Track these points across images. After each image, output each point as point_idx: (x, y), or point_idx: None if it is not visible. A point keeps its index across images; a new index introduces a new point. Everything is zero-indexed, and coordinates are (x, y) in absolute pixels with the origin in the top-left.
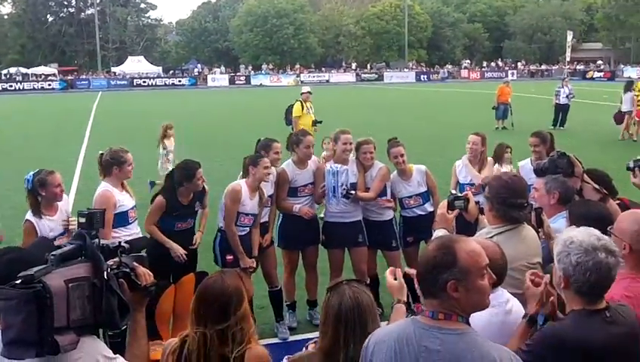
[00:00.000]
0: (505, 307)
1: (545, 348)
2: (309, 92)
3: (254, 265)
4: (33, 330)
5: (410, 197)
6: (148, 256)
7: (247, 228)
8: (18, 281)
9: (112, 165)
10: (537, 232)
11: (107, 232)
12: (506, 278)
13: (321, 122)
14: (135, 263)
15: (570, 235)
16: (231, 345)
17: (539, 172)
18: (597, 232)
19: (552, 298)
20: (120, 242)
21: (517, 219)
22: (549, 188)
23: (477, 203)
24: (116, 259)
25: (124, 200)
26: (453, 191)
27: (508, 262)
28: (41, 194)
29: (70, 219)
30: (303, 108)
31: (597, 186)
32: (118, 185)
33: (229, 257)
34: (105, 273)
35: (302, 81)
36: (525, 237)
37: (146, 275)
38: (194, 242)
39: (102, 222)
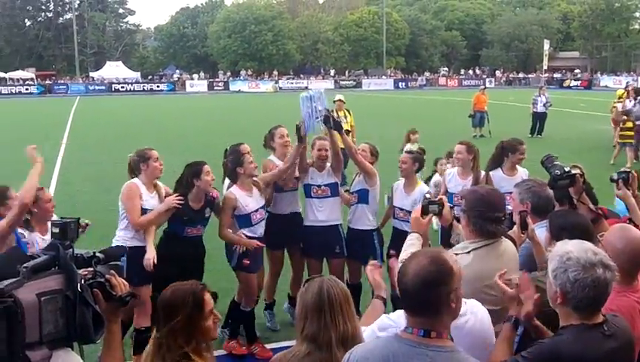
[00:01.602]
0: (454, 322)
1: None
2: (341, 100)
3: (261, 244)
4: (3, 346)
5: (401, 209)
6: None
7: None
8: None
9: (138, 163)
10: (522, 233)
11: (134, 218)
12: (483, 295)
13: (348, 132)
14: (111, 273)
15: (565, 250)
16: (165, 356)
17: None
18: (592, 246)
19: (529, 300)
20: (94, 252)
21: (494, 234)
22: (521, 199)
23: (451, 207)
24: (90, 269)
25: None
26: (427, 196)
27: (485, 277)
28: (32, 210)
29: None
30: None
31: (592, 207)
32: (149, 185)
33: (246, 261)
34: (78, 285)
35: (280, 88)
36: (503, 252)
37: (121, 285)
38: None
39: (76, 231)
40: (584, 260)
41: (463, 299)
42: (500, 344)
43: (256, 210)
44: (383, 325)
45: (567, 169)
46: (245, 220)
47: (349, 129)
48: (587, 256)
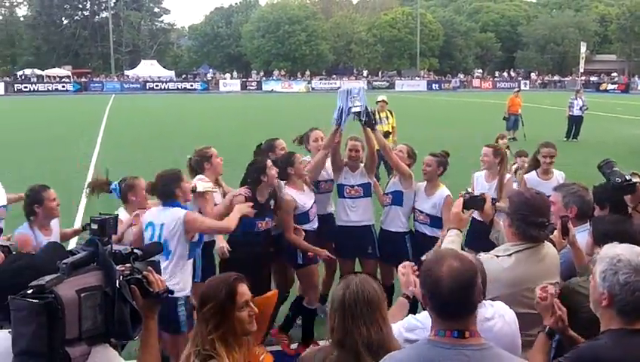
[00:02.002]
0: (482, 326)
1: None
2: (384, 101)
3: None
4: (43, 342)
5: (421, 212)
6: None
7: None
8: (29, 291)
9: (201, 162)
10: (564, 239)
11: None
12: (521, 298)
13: (389, 133)
14: (148, 269)
15: (616, 253)
16: (193, 343)
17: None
18: None
19: (558, 313)
20: (132, 248)
21: (536, 238)
22: (566, 203)
23: (493, 202)
24: (128, 265)
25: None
26: (469, 190)
27: (525, 281)
28: (35, 211)
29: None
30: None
31: None
32: (213, 181)
33: (310, 254)
34: (117, 281)
35: (313, 88)
36: (544, 257)
37: (158, 282)
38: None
39: (115, 227)
40: (636, 263)
41: (490, 302)
42: (536, 354)
43: (312, 206)
44: (410, 326)
45: (627, 177)
46: (304, 218)
47: (390, 130)
48: (638, 260)
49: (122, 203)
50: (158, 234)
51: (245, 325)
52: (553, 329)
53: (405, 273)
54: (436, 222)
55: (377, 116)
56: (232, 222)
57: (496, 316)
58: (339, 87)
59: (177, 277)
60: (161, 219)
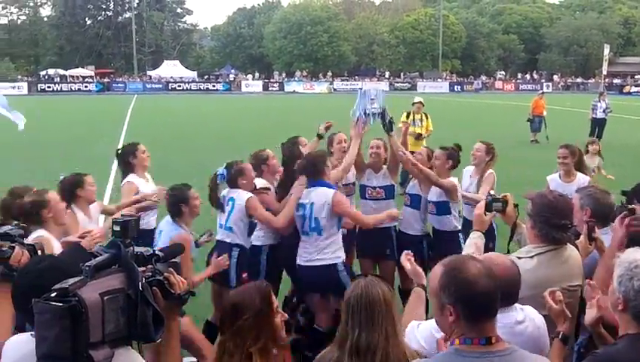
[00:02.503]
0: (514, 328)
1: None
2: (421, 103)
3: None
4: (67, 345)
5: (429, 202)
6: None
7: None
8: (53, 294)
9: (259, 165)
10: (590, 244)
11: (282, 221)
12: (542, 300)
13: (420, 135)
14: (169, 270)
15: (635, 258)
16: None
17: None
18: None
19: (564, 316)
20: (154, 250)
21: (559, 240)
22: (581, 205)
23: (515, 206)
24: (150, 267)
25: None
26: (492, 192)
27: (547, 283)
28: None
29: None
30: (408, 118)
31: None
32: (272, 182)
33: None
34: (139, 284)
35: (335, 89)
36: (567, 259)
37: (180, 283)
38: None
39: (136, 230)
40: None
41: (520, 306)
42: (553, 360)
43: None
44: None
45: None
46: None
47: (422, 133)
48: None
49: (230, 187)
50: (308, 213)
51: (279, 331)
52: (566, 334)
53: (410, 263)
54: (441, 207)
55: (411, 117)
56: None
57: (527, 319)
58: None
59: (332, 247)
60: (311, 198)
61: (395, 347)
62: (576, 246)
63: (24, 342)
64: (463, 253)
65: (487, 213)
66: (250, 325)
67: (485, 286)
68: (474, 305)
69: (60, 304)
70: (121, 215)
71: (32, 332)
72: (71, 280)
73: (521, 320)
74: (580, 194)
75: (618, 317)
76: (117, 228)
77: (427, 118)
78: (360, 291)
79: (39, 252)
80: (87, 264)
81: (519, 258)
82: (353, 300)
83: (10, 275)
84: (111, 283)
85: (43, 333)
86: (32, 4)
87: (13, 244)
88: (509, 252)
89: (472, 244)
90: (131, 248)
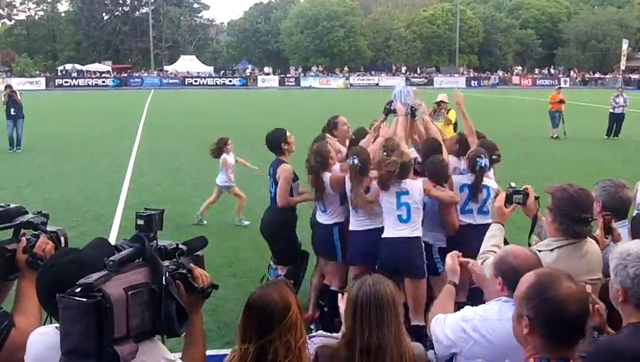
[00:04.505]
0: None
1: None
2: (443, 101)
3: None
4: (92, 341)
5: None
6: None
7: None
8: (77, 289)
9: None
10: (606, 238)
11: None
12: None
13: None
14: (192, 264)
15: (625, 247)
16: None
17: None
18: None
19: (597, 306)
20: (177, 243)
21: (579, 234)
22: (595, 197)
23: (536, 198)
24: (174, 260)
25: None
26: (513, 185)
27: None
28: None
29: None
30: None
31: None
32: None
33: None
34: (164, 278)
35: (351, 84)
36: (587, 252)
37: (203, 277)
38: None
39: (161, 223)
40: None
41: None
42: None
43: None
44: (467, 316)
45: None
46: None
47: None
48: None
49: None
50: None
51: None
52: (600, 326)
53: (452, 260)
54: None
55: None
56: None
57: None
58: (376, 84)
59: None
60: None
61: (404, 346)
62: (596, 240)
63: (50, 335)
64: (483, 244)
65: (507, 205)
66: (295, 321)
67: (573, 311)
68: (557, 329)
69: (85, 299)
70: (145, 208)
71: (57, 325)
72: (95, 275)
73: None
74: (596, 186)
75: (621, 310)
76: (141, 221)
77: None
78: (369, 289)
79: (61, 239)
80: (111, 258)
81: (539, 251)
82: (362, 299)
83: (36, 264)
84: (135, 277)
85: (68, 328)
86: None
87: (36, 232)
88: (529, 245)
89: (492, 237)
90: (155, 242)
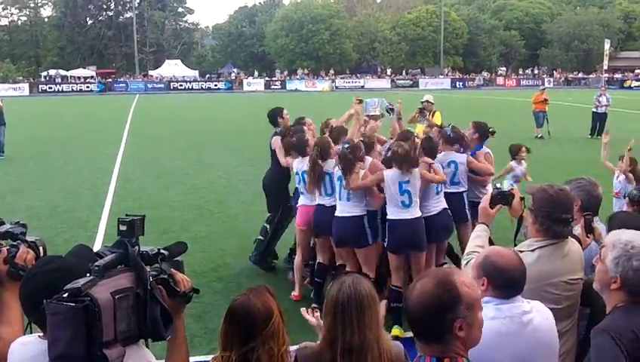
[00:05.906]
0: (521, 318)
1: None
2: (428, 101)
3: None
4: (82, 345)
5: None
6: None
7: None
8: (65, 294)
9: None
10: (588, 237)
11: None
12: (544, 293)
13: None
14: (173, 270)
15: (628, 238)
16: None
17: None
18: None
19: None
20: (159, 249)
21: (560, 234)
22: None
23: (522, 199)
24: (155, 266)
25: None
26: (498, 185)
27: (547, 276)
28: None
29: None
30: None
31: None
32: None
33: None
34: (148, 282)
35: (336, 87)
36: (568, 252)
37: (184, 281)
38: None
39: (142, 228)
40: None
41: (527, 300)
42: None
43: None
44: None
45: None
46: None
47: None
48: None
49: None
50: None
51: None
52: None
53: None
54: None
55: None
56: None
57: (533, 310)
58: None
59: None
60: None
61: (385, 344)
62: (578, 239)
63: (32, 344)
64: (469, 244)
65: (492, 206)
66: (277, 328)
67: (415, 310)
68: (411, 325)
69: (74, 304)
70: (126, 214)
71: (39, 334)
72: (82, 280)
73: (528, 310)
74: (569, 186)
75: (608, 296)
76: (123, 227)
77: (432, 116)
78: (349, 290)
79: (40, 248)
80: (96, 264)
81: (520, 251)
82: (343, 299)
83: (17, 274)
84: (120, 282)
85: (56, 334)
86: (32, 4)
87: (15, 243)
88: (515, 245)
89: (477, 238)
90: (137, 247)
